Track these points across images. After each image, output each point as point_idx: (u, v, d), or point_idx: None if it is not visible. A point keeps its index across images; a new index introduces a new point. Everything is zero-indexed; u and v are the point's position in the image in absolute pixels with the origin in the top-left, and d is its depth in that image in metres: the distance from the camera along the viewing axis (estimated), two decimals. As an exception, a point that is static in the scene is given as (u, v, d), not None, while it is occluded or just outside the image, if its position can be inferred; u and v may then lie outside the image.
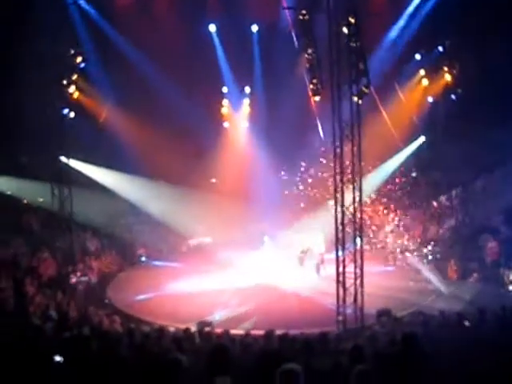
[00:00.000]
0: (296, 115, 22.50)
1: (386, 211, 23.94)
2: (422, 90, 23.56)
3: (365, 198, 18.79)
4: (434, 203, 23.57)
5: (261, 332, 9.87)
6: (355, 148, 14.24)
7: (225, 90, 25.18)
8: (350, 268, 14.21)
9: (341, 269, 14.21)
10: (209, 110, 24.51)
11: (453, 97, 22.48)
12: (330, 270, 15.96)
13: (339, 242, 14.34)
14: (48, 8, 17.74)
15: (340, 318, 14.06)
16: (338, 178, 14.46)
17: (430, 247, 21.11)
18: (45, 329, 9.83)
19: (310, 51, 15.85)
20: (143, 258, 23.38)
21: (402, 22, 21.50)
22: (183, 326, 11.77)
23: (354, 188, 14.35)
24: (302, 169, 25.68)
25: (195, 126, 23.14)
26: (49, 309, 14.85)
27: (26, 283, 16.61)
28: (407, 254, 21.42)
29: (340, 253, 14.32)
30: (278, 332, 9.25)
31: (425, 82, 23.34)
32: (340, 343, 8.67)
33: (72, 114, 19.72)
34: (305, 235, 21.43)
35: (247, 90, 25.40)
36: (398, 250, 22.04)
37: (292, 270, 20.16)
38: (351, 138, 14.17)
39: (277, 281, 18.85)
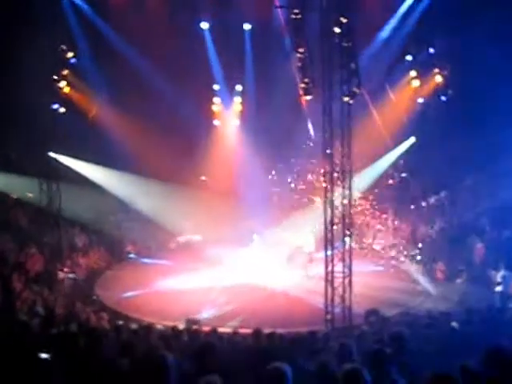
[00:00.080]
0: (287, 114, 22.53)
1: (375, 211, 24.01)
2: (412, 90, 23.64)
3: (354, 198, 18.85)
4: (423, 204, 23.67)
5: (249, 330, 9.87)
6: (345, 147, 14.29)
7: (216, 87, 25.13)
8: (338, 267, 14.26)
9: (329, 268, 14.26)
10: (199, 108, 24.45)
11: (443, 98, 22.56)
12: (319, 268, 15.98)
13: (328, 241, 14.38)
14: (41, 3, 17.66)
15: (328, 317, 14.11)
16: (327, 177, 14.52)
17: (418, 248, 21.20)
18: (31, 325, 9.77)
19: (301, 50, 15.89)
20: (132, 255, 23.32)
21: (393, 23, 21.55)
22: (171, 324, 11.77)
23: (343, 187, 14.40)
24: (294, 169, 25.72)
25: (186, 123, 23.13)
26: (36, 305, 14.80)
27: (13, 279, 16.53)
28: (395, 254, 21.51)
29: (329, 252, 14.36)
30: (266, 330, 9.24)
31: (416, 82, 23.40)
32: (328, 342, 8.67)
33: (62, 110, 19.63)
34: (294, 233, 21.44)
35: (238, 88, 25.36)
36: (387, 250, 22.14)
37: (281, 269, 20.17)
38: (341, 137, 14.21)
39: (265, 279, 18.85)
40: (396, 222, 23.65)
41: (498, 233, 19.66)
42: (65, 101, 20.03)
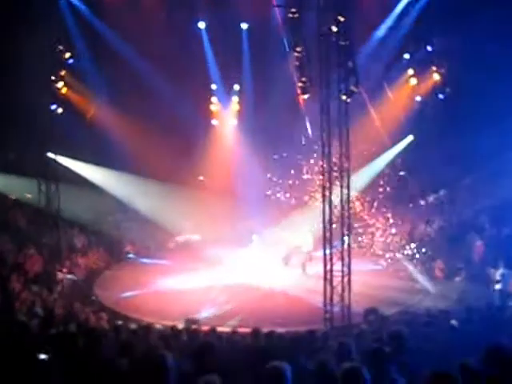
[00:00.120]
0: (284, 113, 22.52)
1: (373, 210, 24.00)
2: (410, 89, 23.65)
3: (352, 197, 18.84)
4: (422, 202, 23.67)
5: (248, 330, 9.86)
6: (343, 146, 14.29)
7: (213, 87, 25.11)
8: (337, 266, 14.26)
9: (328, 267, 14.26)
10: (197, 107, 24.45)
11: (441, 96, 22.57)
12: (318, 268, 15.98)
13: (327, 240, 14.39)
14: (38, 3, 17.64)
15: (327, 315, 14.11)
16: (325, 176, 14.52)
17: (417, 246, 21.20)
18: (30, 325, 9.76)
19: (299, 49, 15.89)
20: (131, 255, 23.31)
21: (390, 21, 21.55)
22: (170, 324, 11.77)
23: (341, 186, 14.41)
24: (292, 168, 25.71)
25: (184, 123, 23.13)
26: (35, 305, 14.79)
27: (12, 280, 16.52)
28: (394, 253, 21.51)
29: (327, 251, 14.36)
30: (265, 330, 9.23)
31: (413, 81, 23.40)
32: (327, 341, 8.67)
33: (60, 110, 19.61)
34: (293, 233, 21.45)
35: (236, 87, 25.35)
36: (386, 249, 22.13)
37: (280, 268, 20.18)
38: (339, 136, 14.21)
39: (264, 279, 18.86)
40: (394, 221, 23.63)
41: (498, 231, 19.67)
42: (63, 101, 20.01)
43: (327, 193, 14.45)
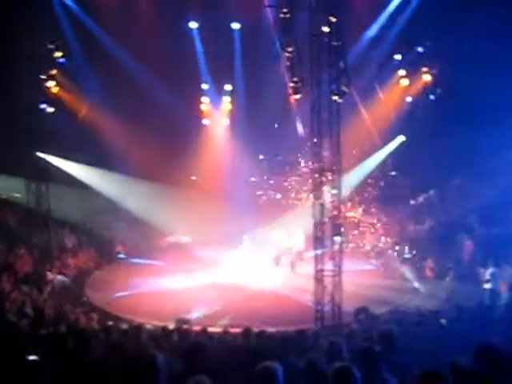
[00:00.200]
0: (276, 113, 22.54)
1: (363, 209, 24.09)
2: (401, 89, 23.73)
3: (343, 197, 18.88)
4: (412, 202, 23.76)
5: (238, 330, 9.86)
6: (334, 146, 14.32)
7: (205, 87, 25.08)
8: (328, 266, 14.29)
9: (319, 266, 14.28)
10: (189, 107, 24.43)
11: (432, 97, 22.66)
12: (308, 267, 15.99)
13: (318, 240, 14.41)
14: (30, 2, 17.56)
15: (318, 315, 14.13)
16: (317, 176, 14.54)
17: (407, 246, 21.27)
18: (20, 326, 9.71)
19: (290, 49, 15.90)
20: (121, 256, 23.23)
21: (382, 22, 21.61)
22: (161, 324, 11.75)
23: (332, 186, 14.44)
24: (284, 168, 25.74)
25: (175, 123, 23.08)
26: (25, 306, 14.71)
27: (1, 280, 16.43)
28: (385, 252, 21.58)
29: (319, 251, 14.39)
30: (256, 329, 9.24)
31: (404, 81, 23.48)
32: (318, 340, 8.69)
33: (51, 109, 19.52)
34: (284, 233, 21.46)
35: (227, 87, 25.34)
36: (376, 248, 22.21)
37: (270, 268, 20.19)
38: (330, 136, 14.23)
39: (255, 279, 18.85)
40: (385, 221, 23.72)
41: (487, 230, 19.76)
42: (54, 101, 19.93)
43: (318, 192, 14.47)
